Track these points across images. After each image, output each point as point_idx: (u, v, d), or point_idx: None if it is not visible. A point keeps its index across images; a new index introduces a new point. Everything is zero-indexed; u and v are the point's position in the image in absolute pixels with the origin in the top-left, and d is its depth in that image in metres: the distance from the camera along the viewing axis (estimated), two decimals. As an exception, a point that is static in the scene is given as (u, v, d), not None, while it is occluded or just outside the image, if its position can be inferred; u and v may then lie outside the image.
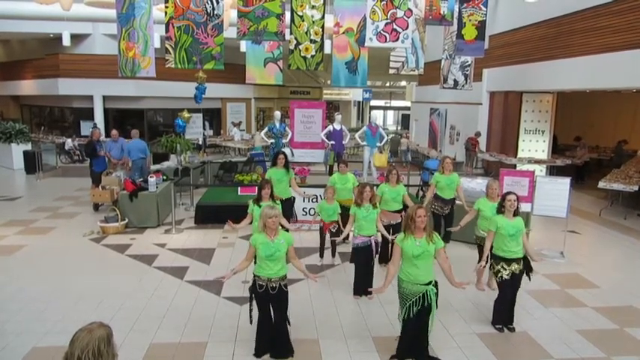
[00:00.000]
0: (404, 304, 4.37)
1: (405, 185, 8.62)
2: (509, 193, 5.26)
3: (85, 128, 19.10)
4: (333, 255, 7.33)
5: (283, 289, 4.43)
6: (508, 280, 5.11)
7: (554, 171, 12.86)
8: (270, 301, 4.44)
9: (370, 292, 5.87)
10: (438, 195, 7.42)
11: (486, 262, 5.48)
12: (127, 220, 8.82)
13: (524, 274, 5.25)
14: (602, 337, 5.15)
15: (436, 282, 4.41)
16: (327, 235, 7.10)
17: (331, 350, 4.78)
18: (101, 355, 2.34)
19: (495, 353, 4.78)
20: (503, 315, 5.26)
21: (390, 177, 6.88)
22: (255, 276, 4.45)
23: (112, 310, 5.53)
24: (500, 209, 5.25)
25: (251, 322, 4.58)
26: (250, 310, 4.57)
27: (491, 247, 5.27)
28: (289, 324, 4.61)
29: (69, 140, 17.01)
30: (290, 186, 7.59)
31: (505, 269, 5.11)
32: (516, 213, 5.22)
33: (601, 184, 10.17)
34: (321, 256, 7.29)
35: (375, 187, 6.70)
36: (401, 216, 6.78)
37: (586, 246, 8.46)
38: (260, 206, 5.63)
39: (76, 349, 2.32)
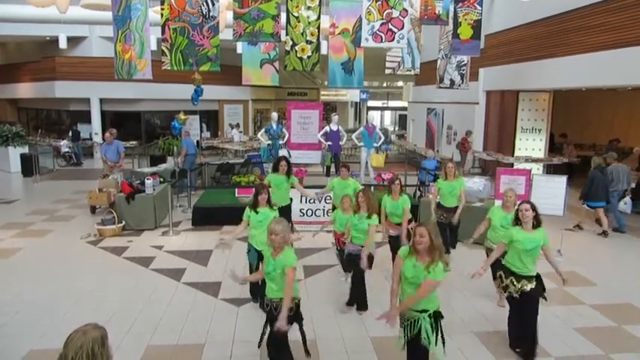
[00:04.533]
0: (401, 326, 3.83)
1: (402, 186, 8.53)
2: (522, 202, 4.70)
3: (82, 131, 19.13)
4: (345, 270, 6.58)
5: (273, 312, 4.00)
6: (518, 299, 4.59)
7: (551, 169, 12.88)
8: (270, 321, 4.06)
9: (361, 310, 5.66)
10: (440, 203, 7.09)
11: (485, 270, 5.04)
12: (124, 223, 8.80)
13: (540, 295, 4.66)
14: (600, 335, 5.15)
15: (437, 313, 3.78)
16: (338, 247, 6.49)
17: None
18: (95, 356, 2.32)
19: (494, 352, 4.78)
20: (518, 336, 4.73)
21: (393, 188, 6.38)
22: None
23: (109, 312, 5.51)
24: (517, 221, 4.66)
25: (259, 345, 4.39)
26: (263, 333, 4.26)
27: (500, 258, 4.78)
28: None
29: (65, 142, 16.96)
30: (293, 187, 7.16)
31: (514, 285, 4.57)
32: (538, 224, 4.60)
33: (598, 182, 10.16)
34: (345, 270, 6.55)
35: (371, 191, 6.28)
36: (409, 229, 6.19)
37: (583, 244, 8.47)
38: (257, 212, 5.40)
39: (69, 351, 2.31)
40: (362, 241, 5.55)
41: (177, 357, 4.67)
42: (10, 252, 7.67)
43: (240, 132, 20.94)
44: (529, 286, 4.56)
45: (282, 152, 11.67)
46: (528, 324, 4.63)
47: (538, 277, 4.66)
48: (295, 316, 4.08)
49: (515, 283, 4.58)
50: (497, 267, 4.88)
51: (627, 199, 9.15)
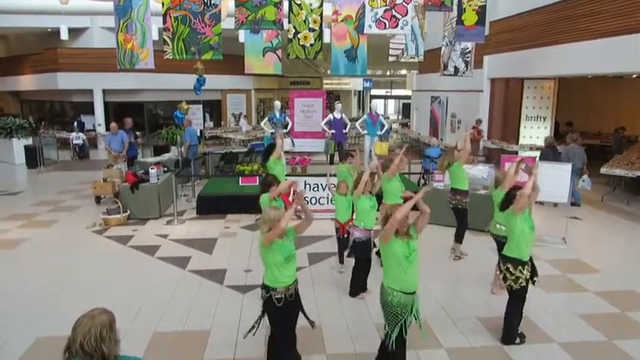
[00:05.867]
0: (396, 321, 3.72)
1: (406, 174, 8.56)
2: (515, 187, 4.75)
3: (86, 122, 19.15)
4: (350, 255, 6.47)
5: (298, 293, 4.02)
6: (525, 288, 4.55)
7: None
8: (287, 311, 3.92)
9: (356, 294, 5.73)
10: (461, 188, 6.82)
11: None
12: (128, 212, 8.84)
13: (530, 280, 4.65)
14: (603, 321, 5.16)
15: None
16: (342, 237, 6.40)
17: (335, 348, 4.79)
18: (103, 340, 2.35)
19: (496, 336, 4.79)
20: (516, 330, 4.71)
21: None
22: (270, 289, 3.86)
23: (115, 299, 5.51)
24: (507, 204, 4.65)
25: (245, 336, 4.17)
26: (255, 327, 4.09)
27: (503, 250, 4.71)
28: (313, 327, 4.21)
29: (75, 134, 16.90)
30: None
31: (523, 274, 4.50)
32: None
33: (603, 170, 10.15)
34: (342, 262, 6.55)
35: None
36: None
37: (588, 232, 8.45)
38: (276, 200, 5.51)
39: (78, 335, 2.33)
40: (372, 225, 5.62)
41: (183, 343, 4.71)
42: (15, 242, 7.72)
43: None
44: (529, 272, 4.60)
45: (286, 141, 11.66)
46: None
47: (531, 261, 4.70)
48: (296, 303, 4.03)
49: (522, 271, 4.53)
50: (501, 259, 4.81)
51: (585, 176, 9.62)
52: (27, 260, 6.98)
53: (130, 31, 9.51)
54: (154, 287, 5.98)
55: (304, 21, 9.41)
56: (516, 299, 4.64)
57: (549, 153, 9.74)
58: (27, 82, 20.88)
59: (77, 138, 16.73)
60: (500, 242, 5.44)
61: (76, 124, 18.35)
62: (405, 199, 3.90)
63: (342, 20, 9.71)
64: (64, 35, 16.44)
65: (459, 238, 6.97)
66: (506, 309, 4.70)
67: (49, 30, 18.45)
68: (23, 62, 20.72)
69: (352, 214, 6.23)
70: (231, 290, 5.90)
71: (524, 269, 4.53)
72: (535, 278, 4.70)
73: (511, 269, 4.53)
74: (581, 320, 5.18)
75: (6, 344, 4.69)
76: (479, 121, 14.33)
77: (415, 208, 3.80)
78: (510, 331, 4.70)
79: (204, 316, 5.21)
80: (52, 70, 18.55)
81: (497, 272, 4.86)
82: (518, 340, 4.70)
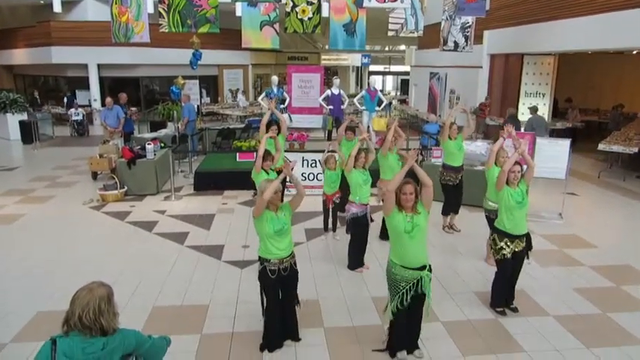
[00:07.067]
0: (395, 292, 3.83)
1: (404, 149, 8.51)
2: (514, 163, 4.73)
3: (81, 97, 18.91)
4: (334, 229, 6.89)
5: (294, 268, 4.10)
6: (509, 259, 4.68)
7: (554, 134, 12.78)
8: (281, 285, 4.04)
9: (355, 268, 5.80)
10: (447, 164, 6.93)
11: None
12: (126, 188, 8.81)
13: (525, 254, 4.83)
14: (598, 295, 5.22)
15: (430, 266, 3.92)
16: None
17: (334, 319, 4.84)
18: (102, 313, 2.35)
19: (494, 311, 4.85)
20: (502, 296, 4.85)
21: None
22: (263, 261, 3.98)
23: (114, 275, 5.55)
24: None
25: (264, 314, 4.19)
26: (264, 305, 4.15)
27: (494, 222, 4.86)
28: (299, 306, 4.29)
29: (80, 110, 16.62)
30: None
31: (508, 246, 4.65)
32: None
33: (601, 147, 10.15)
34: (326, 230, 6.88)
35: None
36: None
37: (584, 207, 8.49)
38: (268, 173, 5.66)
39: (76, 308, 2.33)
40: (367, 200, 5.77)
41: (182, 317, 4.75)
42: (13, 218, 7.71)
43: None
44: (522, 246, 4.71)
45: (284, 117, 11.55)
46: (514, 282, 4.86)
47: (527, 236, 4.80)
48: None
49: (509, 244, 4.66)
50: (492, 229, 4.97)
51: None
52: (24, 236, 6.97)
53: (124, 4, 9.32)
54: (152, 263, 6.00)
55: (302, -6, 9.22)
56: (500, 269, 4.78)
57: (511, 123, 10.07)
58: (20, 56, 20.53)
59: (76, 114, 16.51)
60: (489, 217, 5.66)
61: (65, 100, 18.06)
62: (405, 160, 3.91)
63: (341, -7, 9.53)
64: (57, 8, 16.08)
65: (445, 211, 7.13)
66: (494, 276, 4.88)
67: (42, 2, 18.08)
68: (16, 35, 20.31)
69: (339, 187, 6.51)
70: (229, 265, 5.93)
71: (511, 243, 4.66)
72: (528, 253, 4.88)
73: (496, 240, 4.73)
74: (577, 294, 5.24)
75: (5, 318, 4.72)
76: (487, 99, 14.22)
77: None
78: (493, 297, 4.88)
79: (202, 291, 5.24)
80: (46, 44, 18.21)
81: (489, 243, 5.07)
82: (501, 309, 4.81)
